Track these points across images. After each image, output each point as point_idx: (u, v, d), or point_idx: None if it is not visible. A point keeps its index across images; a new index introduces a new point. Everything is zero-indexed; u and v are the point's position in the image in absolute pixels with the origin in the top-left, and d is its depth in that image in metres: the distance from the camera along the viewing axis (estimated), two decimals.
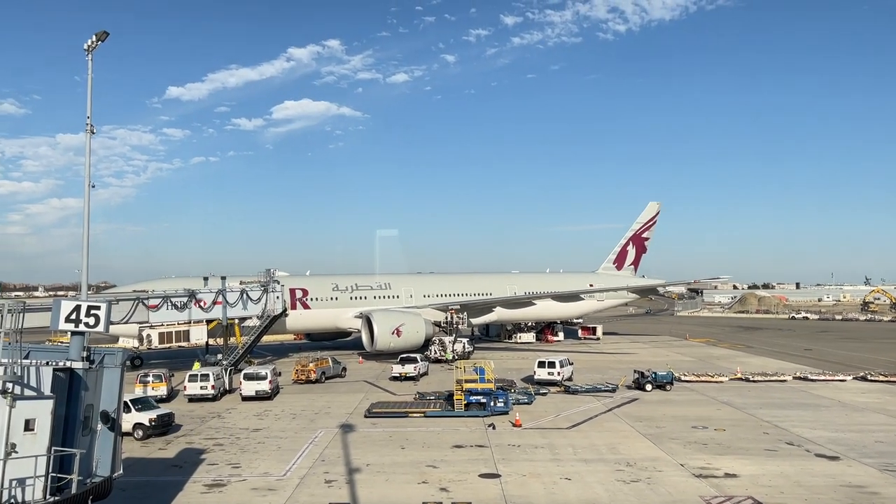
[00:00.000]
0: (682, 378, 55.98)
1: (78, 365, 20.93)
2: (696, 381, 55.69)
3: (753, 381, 55.46)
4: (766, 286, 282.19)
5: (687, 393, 50.89)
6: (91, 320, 21.26)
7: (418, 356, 61.12)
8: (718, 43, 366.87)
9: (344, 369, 62.07)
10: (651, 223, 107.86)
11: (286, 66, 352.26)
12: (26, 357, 20.13)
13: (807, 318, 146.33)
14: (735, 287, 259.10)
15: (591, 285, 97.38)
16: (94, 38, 38.29)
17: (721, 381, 55.56)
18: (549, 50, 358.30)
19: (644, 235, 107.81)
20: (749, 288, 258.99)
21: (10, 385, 18.63)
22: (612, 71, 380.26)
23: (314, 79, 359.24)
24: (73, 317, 21.15)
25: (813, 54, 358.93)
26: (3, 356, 18.66)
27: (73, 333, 21.35)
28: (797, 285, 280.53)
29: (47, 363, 20.25)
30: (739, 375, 57.62)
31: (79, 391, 20.90)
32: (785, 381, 55.79)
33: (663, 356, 73.32)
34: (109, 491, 21.82)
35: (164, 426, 38.47)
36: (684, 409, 44.42)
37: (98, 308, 21.53)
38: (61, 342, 48.91)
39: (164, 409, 39.91)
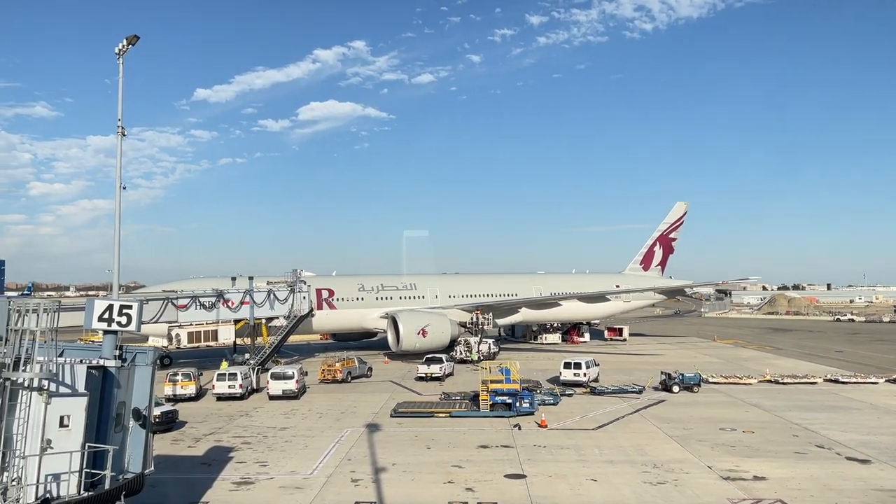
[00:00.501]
0: (710, 380, 55.40)
1: (111, 363, 21.41)
2: (724, 383, 55.08)
3: (783, 384, 54.71)
4: (796, 287, 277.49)
5: (714, 395, 50.40)
6: (123, 319, 21.77)
7: (444, 356, 61.31)
8: (748, 41, 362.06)
9: (370, 369, 62.35)
10: (678, 223, 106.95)
11: (312, 67, 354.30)
12: (61, 355, 20.67)
13: (852, 320, 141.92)
14: (764, 288, 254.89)
15: (617, 286, 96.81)
16: (124, 41, 38.99)
17: (749, 384, 54.89)
18: (575, 49, 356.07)
19: (671, 236, 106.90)
20: (779, 289, 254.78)
21: (45, 382, 19.13)
22: (638, 70, 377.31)
23: (340, 80, 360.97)
24: (106, 316, 21.66)
25: (844, 51, 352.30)
26: (39, 354, 19.12)
27: (106, 332, 21.86)
28: (828, 286, 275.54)
29: (81, 361, 20.75)
30: (768, 377, 56.89)
31: (112, 389, 21.39)
32: (815, 383, 55.00)
33: (690, 358, 72.62)
34: (141, 487, 22.18)
35: (168, 423, 39.58)
36: (712, 411, 44.01)
37: (130, 307, 22.02)
38: (93, 341, 49.97)
39: (168, 406, 41.47)
